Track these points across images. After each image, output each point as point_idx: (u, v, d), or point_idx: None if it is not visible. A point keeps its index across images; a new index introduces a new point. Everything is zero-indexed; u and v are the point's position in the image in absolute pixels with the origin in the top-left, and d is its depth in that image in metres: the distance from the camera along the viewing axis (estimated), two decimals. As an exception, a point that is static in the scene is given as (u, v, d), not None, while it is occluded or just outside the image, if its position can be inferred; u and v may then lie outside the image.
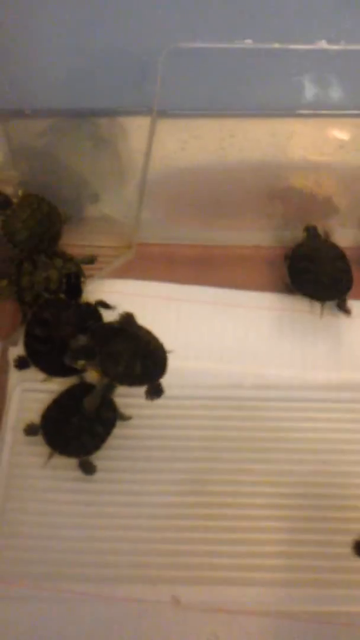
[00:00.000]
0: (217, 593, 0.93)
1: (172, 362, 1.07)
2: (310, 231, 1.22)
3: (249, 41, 1.00)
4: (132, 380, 0.99)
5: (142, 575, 0.95)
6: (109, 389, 1.03)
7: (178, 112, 1.11)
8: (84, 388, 1.04)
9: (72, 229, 1.23)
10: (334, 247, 1.20)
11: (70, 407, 1.02)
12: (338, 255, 1.19)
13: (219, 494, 1.01)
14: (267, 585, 0.94)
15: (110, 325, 1.05)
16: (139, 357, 0.99)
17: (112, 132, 1.15)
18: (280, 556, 0.96)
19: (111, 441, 1.03)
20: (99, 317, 1.11)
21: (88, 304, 1.12)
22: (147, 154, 1.12)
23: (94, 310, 1.12)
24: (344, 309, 1.16)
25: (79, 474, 1.02)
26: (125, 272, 1.25)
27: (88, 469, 1.01)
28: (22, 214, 1.13)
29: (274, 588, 0.94)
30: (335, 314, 1.16)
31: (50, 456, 1.00)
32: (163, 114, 1.09)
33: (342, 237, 1.24)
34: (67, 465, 1.01)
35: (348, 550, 0.96)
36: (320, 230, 1.23)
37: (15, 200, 1.15)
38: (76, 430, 1.00)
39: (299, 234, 1.25)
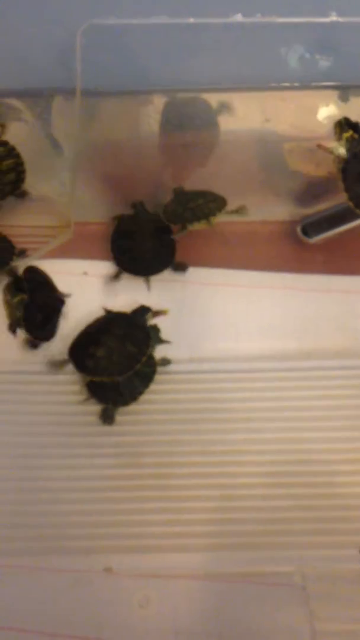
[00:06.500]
0: (149, 560, 0.96)
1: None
2: (138, 207, 1.24)
3: (164, 17, 1.00)
4: None
5: (76, 546, 0.97)
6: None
7: (105, 90, 1.11)
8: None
9: (10, 210, 1.24)
10: (157, 221, 1.21)
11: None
12: (160, 229, 1.21)
13: (152, 465, 1.03)
14: (197, 550, 0.97)
15: None
16: None
17: (41, 111, 1.15)
18: (211, 523, 0.99)
19: (46, 417, 1.06)
20: None
21: None
22: (75, 133, 1.12)
23: None
24: (181, 270, 1.21)
25: (14, 449, 1.03)
26: (65, 251, 1.25)
27: (108, 418, 1.06)
28: None
29: (204, 553, 0.97)
30: (266, 286, 1.18)
31: (87, 399, 1.07)
32: (90, 92, 1.10)
33: (276, 211, 1.26)
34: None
35: (274, 514, 0.99)
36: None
37: None
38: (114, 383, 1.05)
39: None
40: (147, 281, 1.20)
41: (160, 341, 1.12)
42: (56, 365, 1.09)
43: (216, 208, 1.16)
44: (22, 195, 1.21)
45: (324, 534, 0.95)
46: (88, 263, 1.24)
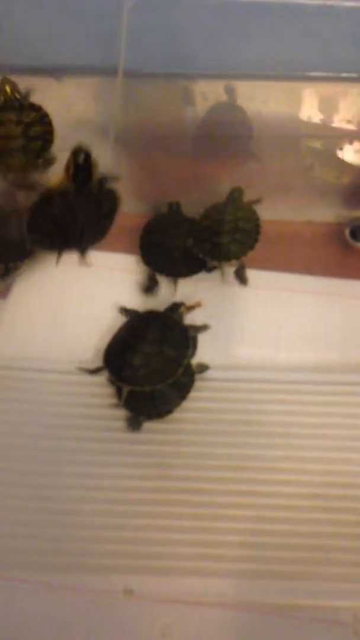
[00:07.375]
0: (174, 584, 0.87)
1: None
2: (173, 207, 1.16)
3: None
4: None
5: (94, 564, 0.89)
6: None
7: (146, 72, 1.05)
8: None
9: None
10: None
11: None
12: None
13: (181, 478, 0.95)
14: (228, 576, 0.88)
15: None
16: None
17: (80, 92, 1.09)
18: (244, 546, 0.90)
19: (69, 420, 0.98)
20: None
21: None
22: (114, 115, 1.05)
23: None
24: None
25: (34, 452, 0.95)
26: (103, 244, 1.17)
27: (136, 424, 0.98)
28: None
29: (235, 579, 0.88)
30: (309, 291, 1.10)
31: (117, 406, 0.98)
32: (132, 73, 1.03)
33: (322, 212, 1.18)
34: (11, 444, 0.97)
35: (316, 540, 0.90)
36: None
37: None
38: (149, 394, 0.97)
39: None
40: (175, 282, 1.12)
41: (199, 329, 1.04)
42: (88, 372, 1.01)
43: (240, 252, 1.07)
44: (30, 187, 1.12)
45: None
46: (117, 256, 1.16)
